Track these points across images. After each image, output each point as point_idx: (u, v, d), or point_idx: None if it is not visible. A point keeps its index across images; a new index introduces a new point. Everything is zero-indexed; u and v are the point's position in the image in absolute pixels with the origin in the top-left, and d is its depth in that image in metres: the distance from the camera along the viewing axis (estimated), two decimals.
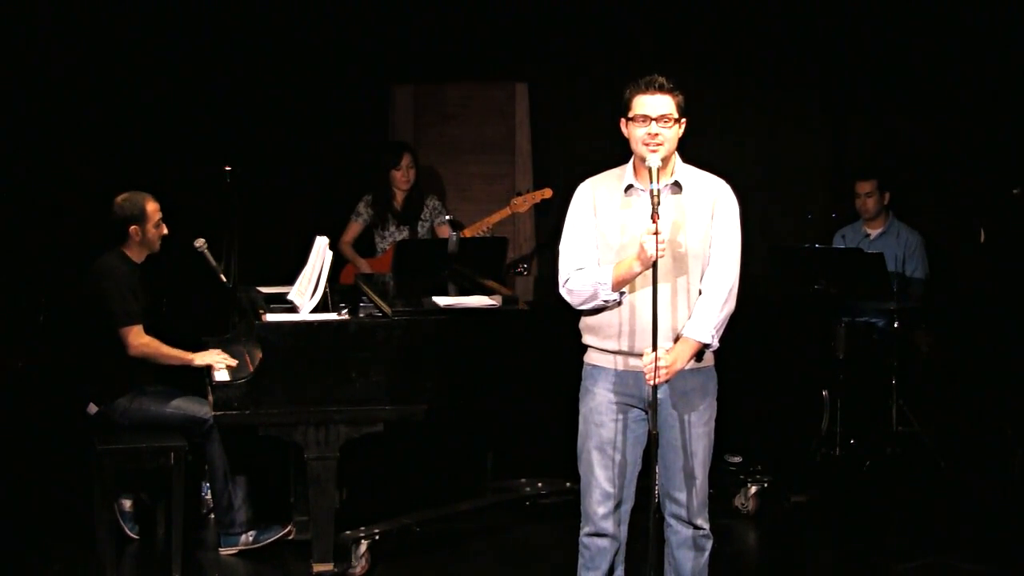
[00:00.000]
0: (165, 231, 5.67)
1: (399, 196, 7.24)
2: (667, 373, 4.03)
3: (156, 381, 5.65)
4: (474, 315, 5.32)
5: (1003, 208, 7.26)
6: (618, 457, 4.18)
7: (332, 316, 5.29)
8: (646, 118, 4.04)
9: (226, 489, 5.55)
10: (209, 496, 5.90)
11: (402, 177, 7.19)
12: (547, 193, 6.97)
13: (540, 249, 7.87)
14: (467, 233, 7.05)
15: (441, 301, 5.37)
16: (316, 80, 7.80)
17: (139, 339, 5.47)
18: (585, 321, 4.22)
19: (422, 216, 7.25)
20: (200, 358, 5.54)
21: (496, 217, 7.09)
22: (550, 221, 7.30)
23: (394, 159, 7.19)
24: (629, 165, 4.18)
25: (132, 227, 5.58)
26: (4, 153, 7.45)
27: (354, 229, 7.30)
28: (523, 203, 7.05)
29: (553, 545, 5.64)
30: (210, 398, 5.28)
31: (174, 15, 7.57)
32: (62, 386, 6.66)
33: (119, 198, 5.63)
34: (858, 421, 6.89)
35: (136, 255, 5.63)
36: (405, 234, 7.19)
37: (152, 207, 5.62)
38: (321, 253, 5.43)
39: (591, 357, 4.24)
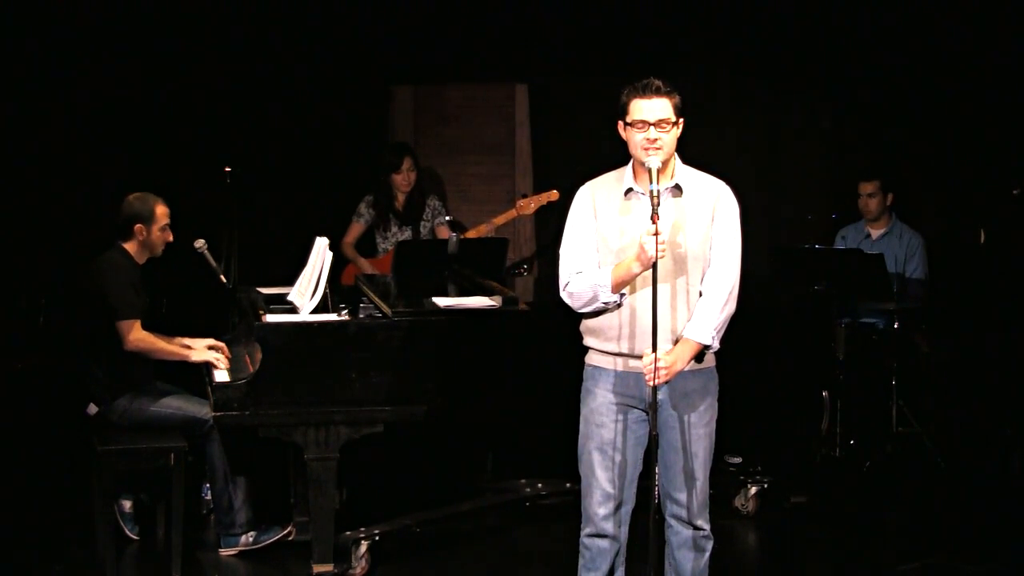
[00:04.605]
0: (170, 238, 5.66)
1: (400, 197, 7.23)
2: (667, 374, 4.03)
3: (157, 381, 5.65)
4: (474, 316, 5.32)
5: (1003, 208, 7.26)
6: (619, 458, 4.18)
7: (332, 317, 5.29)
8: (644, 123, 4.03)
9: (226, 490, 5.55)
10: (209, 496, 5.90)
11: (402, 180, 7.17)
12: (554, 195, 6.90)
13: (541, 250, 7.86)
14: (471, 234, 7.04)
15: (441, 302, 5.37)
16: (316, 81, 7.79)
17: (136, 333, 5.47)
18: (586, 324, 4.22)
19: (424, 217, 7.24)
20: (197, 354, 5.54)
21: (501, 219, 7.07)
22: (551, 223, 7.29)
23: (395, 162, 7.16)
24: (628, 168, 4.18)
25: (137, 226, 5.58)
26: (4, 153, 7.44)
27: (355, 230, 7.29)
28: (529, 205, 7.00)
29: (553, 546, 5.64)
30: (210, 399, 5.28)
31: (175, 15, 7.56)
32: (62, 386, 6.67)
33: (131, 196, 5.63)
34: (858, 421, 6.89)
35: (138, 255, 5.63)
36: (407, 234, 7.18)
37: (161, 211, 5.62)
38: (321, 254, 5.43)
39: (592, 358, 4.24)
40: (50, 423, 6.90)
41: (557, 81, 8.07)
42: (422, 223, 7.22)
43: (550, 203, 6.90)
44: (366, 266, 7.17)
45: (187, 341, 5.62)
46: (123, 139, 7.52)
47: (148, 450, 5.36)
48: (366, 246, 7.33)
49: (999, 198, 7.28)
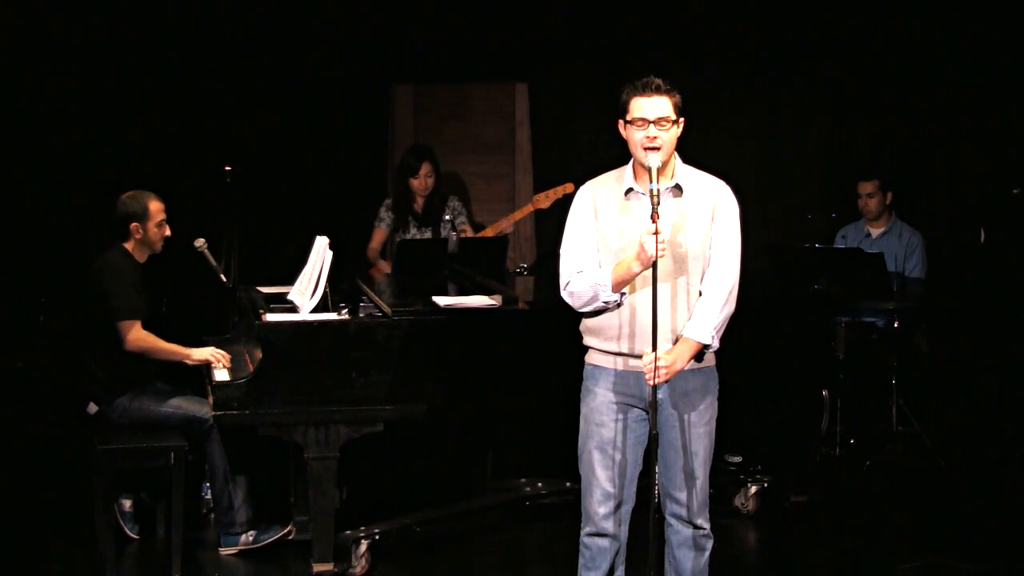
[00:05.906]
0: (168, 232, 5.66)
1: (419, 200, 7.16)
2: (667, 373, 4.03)
3: (156, 380, 5.65)
4: (474, 315, 5.32)
5: (1003, 208, 7.27)
6: (619, 457, 4.18)
7: (332, 316, 5.29)
8: (644, 121, 4.04)
9: (226, 489, 5.55)
10: (209, 496, 5.90)
11: (420, 185, 7.08)
12: (569, 188, 6.83)
13: (541, 251, 7.85)
14: (489, 232, 7.02)
15: (441, 301, 5.37)
16: (316, 80, 7.79)
17: (136, 333, 5.47)
18: (586, 323, 4.22)
19: (444, 217, 7.19)
20: (197, 354, 5.54)
21: (519, 214, 7.05)
22: (551, 223, 7.28)
23: (414, 166, 7.09)
24: (629, 167, 4.18)
25: (133, 224, 5.58)
26: (4, 153, 7.45)
27: (379, 235, 7.20)
28: (545, 199, 6.97)
29: (553, 545, 5.65)
30: (210, 398, 5.28)
31: (175, 14, 7.56)
32: (62, 386, 6.67)
33: (124, 195, 5.64)
34: (858, 421, 6.89)
35: (138, 254, 5.63)
36: (427, 235, 7.14)
37: (156, 207, 5.62)
38: (321, 253, 5.43)
39: (592, 357, 4.24)
40: (50, 423, 6.90)
41: (557, 81, 8.07)
42: (443, 224, 7.17)
43: (565, 195, 6.86)
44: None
45: (187, 350, 5.60)
46: (123, 139, 7.52)
47: (148, 449, 5.36)
48: (387, 248, 7.29)
49: (999, 198, 7.28)
